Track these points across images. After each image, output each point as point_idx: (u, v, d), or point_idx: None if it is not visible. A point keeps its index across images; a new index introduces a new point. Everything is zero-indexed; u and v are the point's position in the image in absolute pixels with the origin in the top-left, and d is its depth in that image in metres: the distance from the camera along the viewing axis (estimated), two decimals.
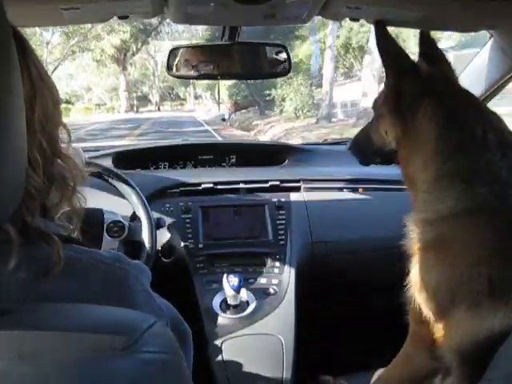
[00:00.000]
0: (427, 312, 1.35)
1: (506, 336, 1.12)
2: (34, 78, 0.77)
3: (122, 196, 1.93)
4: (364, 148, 1.69)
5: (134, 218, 1.95)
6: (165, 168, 2.78)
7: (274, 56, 1.89)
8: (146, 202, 1.93)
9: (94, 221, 1.87)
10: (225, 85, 30.37)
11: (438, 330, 1.33)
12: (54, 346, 0.60)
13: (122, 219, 1.92)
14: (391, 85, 1.45)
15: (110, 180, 1.90)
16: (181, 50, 1.91)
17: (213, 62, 1.85)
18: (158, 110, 53.28)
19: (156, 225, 1.97)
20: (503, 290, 1.18)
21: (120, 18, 1.43)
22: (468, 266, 1.23)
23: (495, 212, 1.23)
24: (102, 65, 45.95)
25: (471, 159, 1.29)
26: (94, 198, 1.86)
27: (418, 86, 1.40)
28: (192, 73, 1.91)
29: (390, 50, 1.41)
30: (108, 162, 2.41)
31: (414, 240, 1.40)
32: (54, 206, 0.83)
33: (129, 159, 2.66)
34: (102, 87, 56.92)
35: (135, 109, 50.46)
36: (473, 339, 1.22)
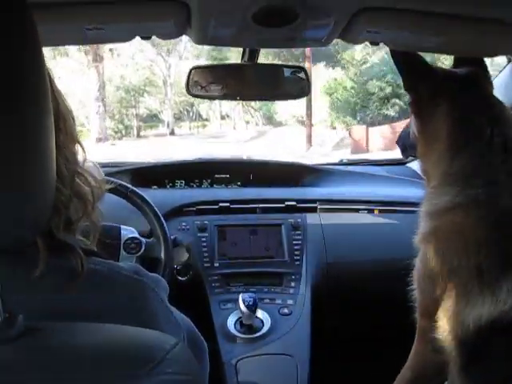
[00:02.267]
0: (426, 302, 1.45)
1: (494, 326, 1.23)
2: (57, 95, 0.79)
3: (139, 213, 1.94)
4: (404, 142, 1.79)
5: (151, 235, 1.96)
6: (181, 185, 2.79)
7: (293, 77, 1.90)
8: (162, 219, 1.94)
9: (111, 237, 1.88)
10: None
11: (436, 320, 1.40)
12: (77, 367, 0.60)
13: (138, 236, 1.93)
14: (410, 89, 1.57)
15: (127, 197, 1.92)
16: (200, 70, 1.93)
17: (231, 83, 1.86)
18: (172, 133, 39.91)
19: (172, 243, 1.98)
20: (490, 279, 1.27)
21: (142, 38, 1.45)
22: (458, 254, 1.32)
23: (485, 208, 1.33)
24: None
25: (475, 160, 1.39)
26: (112, 215, 1.89)
27: (433, 88, 1.51)
28: (211, 93, 1.93)
29: (405, 59, 1.52)
30: (125, 179, 2.42)
31: (419, 230, 1.50)
32: (75, 221, 0.84)
33: (145, 176, 2.67)
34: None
35: (122, 134, 34.67)
36: (464, 328, 1.30)
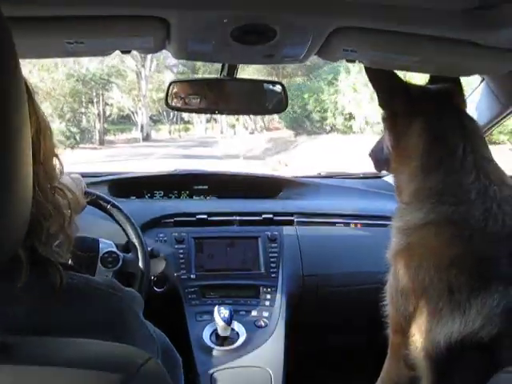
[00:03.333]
0: (398, 319, 1.45)
1: (464, 344, 1.24)
2: (37, 110, 0.80)
3: (117, 224, 1.94)
4: (377, 156, 1.79)
5: (129, 246, 1.96)
6: (160, 196, 2.79)
7: (271, 93, 1.92)
8: (139, 231, 1.94)
9: (89, 250, 1.88)
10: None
11: (408, 336, 1.41)
12: (53, 381, 0.61)
13: (117, 250, 1.93)
14: (384, 105, 1.58)
15: (105, 209, 1.92)
16: (179, 84, 1.94)
17: (210, 96, 1.88)
18: (146, 139, 35.11)
19: (150, 254, 1.99)
20: (460, 298, 1.27)
21: (123, 52, 1.46)
22: (430, 272, 1.33)
23: (457, 226, 1.34)
24: None
25: (447, 178, 1.41)
26: (90, 225, 1.89)
27: (407, 105, 1.52)
28: (190, 106, 1.94)
29: (379, 75, 1.54)
30: (104, 190, 2.42)
31: (390, 248, 1.52)
32: (53, 235, 0.84)
33: (124, 187, 2.67)
34: None
35: None
36: (435, 345, 1.30)
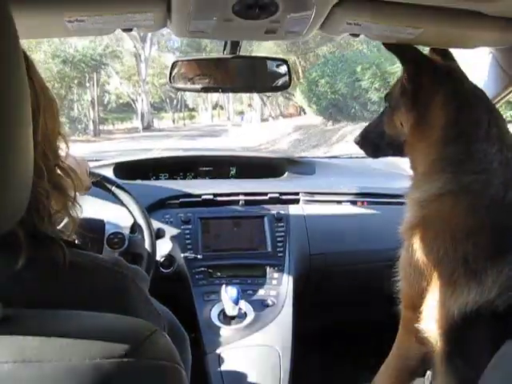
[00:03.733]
0: (412, 294, 1.44)
1: (479, 314, 1.24)
2: (37, 90, 0.79)
3: (123, 206, 1.94)
4: (376, 140, 1.72)
5: (135, 228, 1.96)
6: (165, 178, 2.80)
7: (276, 70, 1.91)
8: (145, 212, 1.94)
9: (95, 231, 1.88)
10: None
11: (421, 310, 1.41)
12: (56, 351, 0.61)
13: (122, 231, 1.93)
14: (411, 77, 1.51)
15: (111, 190, 1.92)
16: (183, 63, 1.93)
17: (214, 75, 1.87)
18: (147, 128, 31.63)
19: (156, 235, 1.99)
20: (476, 268, 1.27)
21: (124, 30, 1.45)
22: (446, 243, 1.33)
23: (476, 196, 1.33)
24: None
25: (470, 146, 1.39)
26: (96, 207, 1.89)
27: (434, 77, 1.48)
28: (193, 85, 1.93)
29: (405, 48, 1.50)
30: (109, 172, 2.42)
31: (404, 222, 1.50)
32: (54, 214, 0.84)
33: (130, 169, 2.67)
34: None
35: None
36: (449, 317, 1.30)
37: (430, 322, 1.39)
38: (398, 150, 1.64)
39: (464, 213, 1.34)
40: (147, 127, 32.77)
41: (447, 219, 1.36)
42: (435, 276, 1.36)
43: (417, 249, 1.40)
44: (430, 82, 1.48)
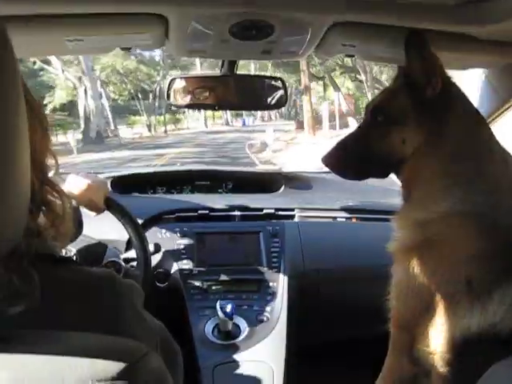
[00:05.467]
0: (407, 316, 1.39)
1: (481, 338, 1.20)
2: (30, 104, 0.79)
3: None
4: (359, 160, 1.53)
5: (131, 243, 1.97)
6: (162, 192, 2.81)
7: (272, 88, 1.93)
8: (141, 230, 1.94)
9: (95, 254, 1.91)
10: None
11: (418, 333, 1.35)
12: (48, 373, 0.61)
13: (121, 261, 1.95)
14: (428, 97, 1.40)
15: (109, 207, 1.92)
16: (180, 80, 1.95)
17: (211, 92, 1.89)
18: (96, 141, 26.31)
19: (152, 250, 2.00)
20: (480, 291, 1.23)
21: (122, 49, 1.48)
22: (449, 266, 1.28)
23: (486, 218, 1.27)
24: None
25: (481, 165, 1.34)
26: (94, 219, 1.90)
27: (448, 99, 1.40)
28: (190, 102, 1.95)
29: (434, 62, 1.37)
30: None
31: (398, 242, 1.42)
32: (44, 231, 0.83)
33: (127, 183, 2.69)
34: None
35: None
36: (449, 340, 1.27)
37: (426, 344, 1.35)
38: (388, 169, 1.52)
39: (474, 235, 1.28)
40: (96, 141, 27.11)
41: (454, 241, 1.31)
42: (436, 299, 1.31)
43: (416, 271, 1.33)
44: (443, 104, 1.39)
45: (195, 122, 47.53)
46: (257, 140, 26.30)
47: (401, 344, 1.45)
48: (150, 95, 39.35)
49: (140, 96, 38.46)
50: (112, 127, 33.40)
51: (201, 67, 35.99)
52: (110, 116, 33.13)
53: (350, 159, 1.54)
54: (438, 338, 1.31)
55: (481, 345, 1.23)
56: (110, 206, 1.90)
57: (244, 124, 45.65)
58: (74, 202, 1.69)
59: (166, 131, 39.22)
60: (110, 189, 2.42)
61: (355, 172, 1.58)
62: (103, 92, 32.33)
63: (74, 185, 1.79)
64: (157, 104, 38.99)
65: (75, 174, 1.87)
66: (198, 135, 35.56)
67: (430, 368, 1.35)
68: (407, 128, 1.44)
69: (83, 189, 1.79)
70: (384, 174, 1.55)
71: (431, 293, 1.31)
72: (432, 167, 1.39)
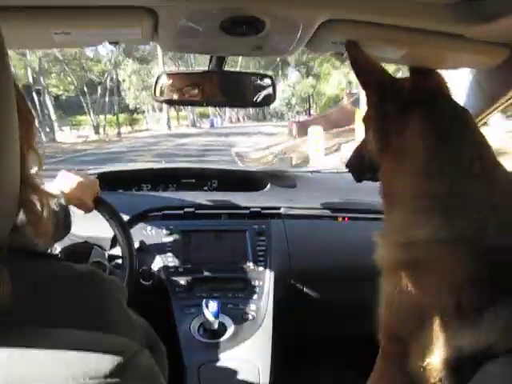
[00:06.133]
0: (398, 330, 1.36)
1: (477, 357, 1.15)
2: (18, 97, 0.78)
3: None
4: (357, 164, 1.65)
5: (115, 240, 1.96)
6: (147, 190, 2.80)
7: (260, 85, 1.92)
8: (129, 231, 1.93)
9: (80, 253, 1.90)
10: None
11: (409, 347, 1.32)
12: (40, 372, 0.60)
13: (107, 263, 1.94)
14: (373, 104, 1.44)
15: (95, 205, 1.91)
16: (167, 76, 1.94)
17: (198, 88, 1.88)
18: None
19: (138, 248, 1.99)
20: (470, 312, 1.19)
21: (110, 43, 1.46)
22: (438, 290, 1.24)
23: (471, 243, 1.22)
24: None
25: (455, 186, 1.26)
26: (79, 216, 1.88)
27: (401, 103, 1.38)
28: (177, 98, 1.94)
29: (366, 69, 1.40)
30: None
31: (384, 259, 1.38)
32: (22, 227, 0.82)
33: (112, 180, 2.67)
34: None
35: None
36: (442, 358, 1.23)
37: (418, 358, 1.30)
38: (375, 174, 1.52)
39: (461, 261, 1.22)
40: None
41: (440, 267, 1.25)
42: (426, 317, 1.26)
43: (405, 289, 1.29)
44: (396, 109, 1.38)
45: (156, 123, 40.95)
46: (240, 146, 23.82)
47: (391, 356, 1.42)
48: (99, 89, 32.11)
49: (86, 90, 31.23)
50: (47, 129, 28.00)
51: (163, 58, 33.72)
52: (52, 115, 27.98)
53: (354, 162, 1.67)
54: (430, 355, 1.27)
55: (476, 362, 1.16)
56: (99, 205, 1.87)
57: (212, 125, 42.77)
58: (62, 200, 1.67)
59: (119, 134, 32.38)
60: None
61: (357, 174, 1.69)
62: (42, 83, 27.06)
63: (64, 182, 1.77)
64: (107, 100, 32.24)
65: (66, 171, 1.84)
66: (161, 139, 30.26)
67: (422, 382, 1.31)
68: (371, 135, 1.47)
69: (73, 187, 1.77)
70: (376, 179, 1.54)
71: (421, 311, 1.27)
72: (399, 182, 1.37)
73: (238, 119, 53.17)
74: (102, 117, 31.39)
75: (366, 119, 1.51)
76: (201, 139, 28.51)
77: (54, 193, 1.63)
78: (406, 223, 1.33)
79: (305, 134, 21.43)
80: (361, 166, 1.62)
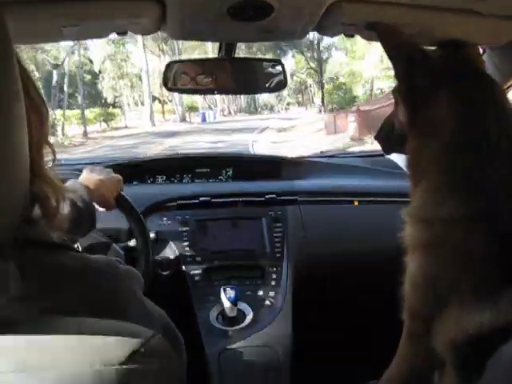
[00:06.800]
0: (422, 308, 1.36)
1: (497, 333, 1.15)
2: (31, 88, 0.77)
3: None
4: (387, 135, 1.62)
5: (131, 231, 1.96)
6: (162, 180, 2.80)
7: (271, 71, 1.91)
8: (142, 217, 1.93)
9: (97, 252, 1.90)
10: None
11: (432, 326, 1.32)
12: (56, 360, 0.61)
13: (121, 260, 1.94)
14: (401, 77, 1.41)
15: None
16: (177, 64, 1.93)
17: (209, 76, 1.87)
18: None
19: (154, 239, 1.99)
20: (490, 291, 1.20)
21: (118, 33, 1.45)
22: (458, 269, 1.25)
23: (492, 222, 1.22)
24: None
25: (481, 165, 1.25)
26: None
27: (430, 76, 1.35)
28: (188, 86, 1.93)
29: (394, 42, 1.38)
30: None
31: (410, 236, 1.38)
32: (40, 220, 0.82)
33: (126, 172, 2.66)
34: None
35: None
36: (464, 334, 1.23)
37: (441, 336, 1.31)
38: (404, 147, 1.51)
39: (480, 241, 1.22)
40: None
41: (462, 245, 1.25)
42: (448, 294, 1.27)
43: (427, 268, 1.31)
44: (424, 83, 1.36)
45: (137, 118, 34.66)
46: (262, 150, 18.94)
47: (415, 334, 1.42)
48: (54, 74, 25.35)
49: (38, 75, 24.63)
50: None
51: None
52: None
53: (382, 135, 1.64)
54: (453, 332, 1.27)
55: (497, 341, 1.15)
56: (120, 203, 1.88)
57: (204, 120, 37.67)
58: (86, 196, 1.67)
59: (85, 134, 25.48)
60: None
61: (386, 145, 1.66)
62: None
63: (89, 179, 1.78)
64: (66, 89, 25.80)
65: (91, 167, 1.85)
66: (142, 140, 24.69)
67: (447, 359, 1.32)
68: (399, 111, 1.46)
69: (98, 184, 1.77)
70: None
71: (442, 289, 1.28)
72: (425, 155, 1.36)
73: (230, 112, 50.16)
74: (58, 111, 25.25)
75: (396, 92, 1.49)
76: (197, 139, 23.40)
77: (77, 188, 1.64)
78: (430, 199, 1.33)
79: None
80: (389, 139, 1.60)
